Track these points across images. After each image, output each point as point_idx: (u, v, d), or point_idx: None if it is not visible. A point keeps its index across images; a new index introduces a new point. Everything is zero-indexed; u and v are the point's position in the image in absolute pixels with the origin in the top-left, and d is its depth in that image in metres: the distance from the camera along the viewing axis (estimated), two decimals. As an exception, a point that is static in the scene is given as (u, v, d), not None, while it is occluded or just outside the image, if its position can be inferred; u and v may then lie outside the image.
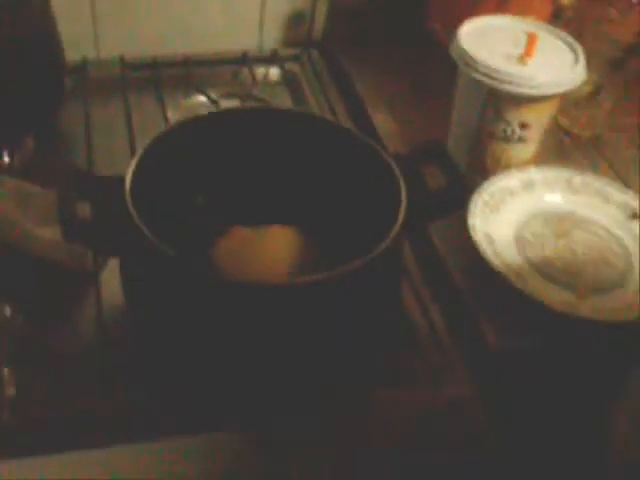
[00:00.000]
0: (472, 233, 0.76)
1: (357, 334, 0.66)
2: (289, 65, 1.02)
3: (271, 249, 0.75)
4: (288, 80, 1.00)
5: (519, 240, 0.79)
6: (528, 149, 0.84)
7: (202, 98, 0.96)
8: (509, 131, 0.80)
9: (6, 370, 0.67)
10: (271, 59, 1.02)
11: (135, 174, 0.63)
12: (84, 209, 0.64)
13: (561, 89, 0.78)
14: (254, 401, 0.65)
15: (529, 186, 0.83)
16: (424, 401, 0.69)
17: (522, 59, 0.79)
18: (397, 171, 0.66)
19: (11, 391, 0.66)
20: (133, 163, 0.63)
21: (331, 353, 0.66)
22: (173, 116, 0.93)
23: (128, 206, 0.59)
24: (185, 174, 0.73)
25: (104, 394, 0.65)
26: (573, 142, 0.93)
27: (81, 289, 0.74)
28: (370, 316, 0.67)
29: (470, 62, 0.79)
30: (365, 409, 0.68)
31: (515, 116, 0.79)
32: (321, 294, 0.61)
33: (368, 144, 0.71)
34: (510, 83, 0.77)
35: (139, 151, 0.66)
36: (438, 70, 0.95)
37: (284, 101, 0.97)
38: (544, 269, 0.76)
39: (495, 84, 0.77)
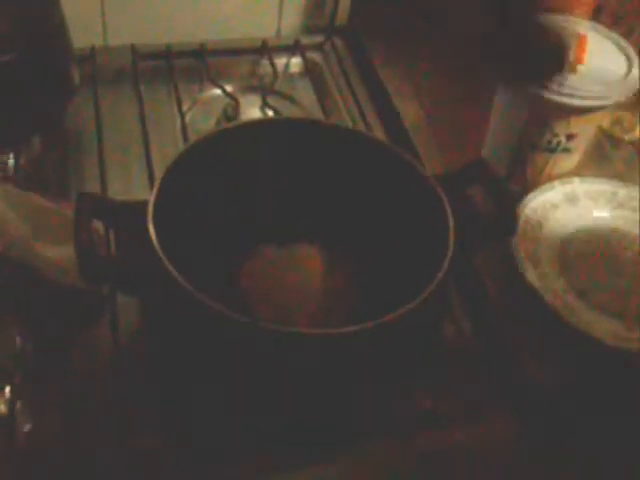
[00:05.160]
0: (515, 255, 0.71)
1: (397, 373, 0.62)
2: (311, 55, 0.95)
3: (300, 270, 0.70)
4: (310, 71, 0.94)
5: (563, 260, 0.74)
6: (572, 159, 0.78)
7: (219, 91, 0.89)
8: (554, 142, 0.75)
9: (19, 403, 0.62)
10: (292, 48, 0.95)
11: (156, 205, 0.58)
12: (104, 244, 0.59)
13: (614, 99, 0.72)
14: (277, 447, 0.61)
15: (573, 199, 0.78)
16: (462, 439, 0.65)
17: (572, 65, 0.73)
18: (445, 200, 0.61)
19: (26, 427, 0.62)
20: (152, 198, 0.58)
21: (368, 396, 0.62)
22: (188, 112, 0.87)
23: (155, 249, 0.54)
24: (207, 192, 0.67)
25: (120, 435, 0.60)
26: (613, 145, 0.88)
27: (95, 314, 0.69)
28: (410, 354, 0.62)
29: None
30: (403, 448, 0.64)
31: (563, 127, 0.74)
32: (363, 341, 0.56)
33: (412, 165, 0.65)
34: (559, 93, 0.71)
35: (158, 179, 0.61)
36: (475, 63, 0.89)
37: (307, 95, 0.91)
38: (590, 295, 0.71)
39: (543, 93, 0.71)
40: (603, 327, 0.68)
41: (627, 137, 0.88)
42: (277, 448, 0.61)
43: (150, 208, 0.58)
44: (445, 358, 0.66)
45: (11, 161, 0.78)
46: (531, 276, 0.70)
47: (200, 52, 0.91)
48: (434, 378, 0.65)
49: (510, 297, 0.71)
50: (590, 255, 0.75)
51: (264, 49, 0.93)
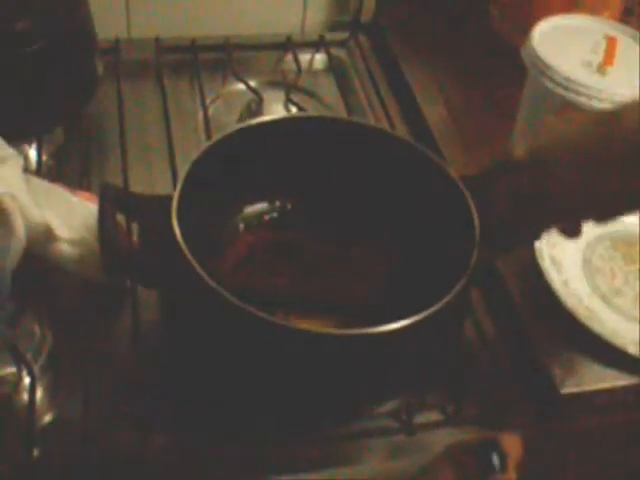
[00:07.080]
0: (539, 259, 0.70)
1: (419, 376, 0.62)
2: (335, 51, 0.95)
3: (325, 269, 0.70)
4: (334, 68, 0.93)
5: (587, 266, 0.73)
6: (598, 163, 0.77)
7: (242, 86, 0.89)
8: (581, 145, 0.74)
9: (39, 394, 0.62)
10: (316, 44, 0.94)
11: (180, 198, 0.58)
12: (126, 237, 0.59)
13: (643, 104, 0.71)
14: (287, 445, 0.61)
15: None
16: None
17: (601, 68, 0.72)
18: (470, 201, 0.61)
19: (47, 417, 0.61)
20: (176, 194, 0.58)
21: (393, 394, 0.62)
22: (211, 106, 0.87)
23: (179, 245, 0.54)
24: (231, 188, 0.67)
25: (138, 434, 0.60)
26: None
27: (116, 305, 0.68)
28: (432, 357, 0.62)
29: (544, 69, 0.72)
30: (422, 450, 0.64)
31: (590, 130, 0.73)
32: (384, 343, 0.56)
33: (438, 164, 0.65)
34: (588, 96, 0.70)
35: (182, 173, 0.60)
36: (499, 62, 0.88)
37: (330, 92, 0.90)
38: (615, 302, 0.70)
39: (571, 96, 0.71)
40: (626, 334, 0.67)
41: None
42: (287, 446, 0.61)
43: (174, 204, 0.57)
44: (467, 361, 0.66)
45: (34, 152, 0.78)
46: (554, 280, 0.69)
47: (224, 46, 0.91)
48: (455, 381, 0.65)
49: (533, 301, 0.70)
50: (614, 260, 0.74)
51: (288, 45, 0.93)
